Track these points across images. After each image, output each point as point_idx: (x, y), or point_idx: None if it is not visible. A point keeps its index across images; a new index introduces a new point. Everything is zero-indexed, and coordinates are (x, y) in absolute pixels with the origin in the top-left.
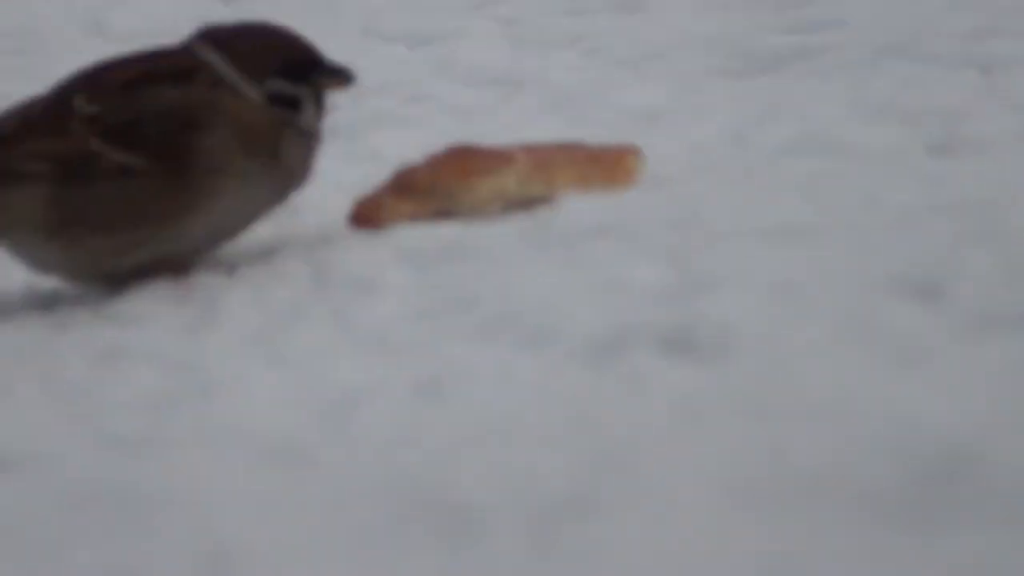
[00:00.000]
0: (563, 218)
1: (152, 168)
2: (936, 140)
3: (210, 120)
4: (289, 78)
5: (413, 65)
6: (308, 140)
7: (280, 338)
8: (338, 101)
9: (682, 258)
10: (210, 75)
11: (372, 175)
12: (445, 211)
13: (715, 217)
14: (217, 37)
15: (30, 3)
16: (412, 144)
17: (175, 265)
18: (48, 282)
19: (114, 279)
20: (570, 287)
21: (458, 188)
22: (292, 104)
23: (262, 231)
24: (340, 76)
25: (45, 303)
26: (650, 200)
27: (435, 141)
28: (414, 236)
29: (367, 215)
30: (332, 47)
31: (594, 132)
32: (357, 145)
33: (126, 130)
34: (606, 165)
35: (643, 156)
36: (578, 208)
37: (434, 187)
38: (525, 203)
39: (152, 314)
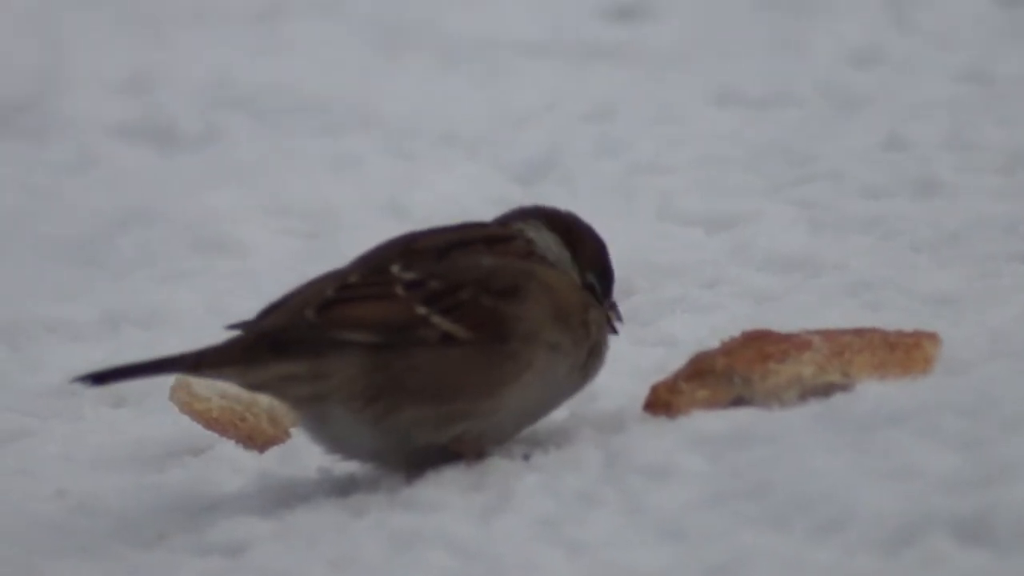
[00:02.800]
0: (858, 404)
1: (471, 337)
2: None
3: (527, 287)
4: (600, 285)
5: (710, 249)
6: (606, 329)
7: (572, 524)
8: (635, 286)
9: (978, 445)
10: (526, 244)
11: (666, 360)
12: (741, 398)
13: (1012, 403)
14: (557, 221)
15: (328, 186)
16: (707, 329)
17: (475, 447)
18: (343, 467)
19: (415, 460)
20: (864, 474)
21: (755, 374)
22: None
23: (557, 416)
24: (614, 315)
25: (341, 488)
26: (946, 386)
27: (730, 326)
28: (708, 422)
29: (663, 401)
30: (629, 230)
31: (891, 317)
32: (652, 330)
33: (447, 297)
34: (903, 351)
35: (940, 342)
36: (874, 394)
37: (731, 373)
38: (822, 389)
39: (447, 499)
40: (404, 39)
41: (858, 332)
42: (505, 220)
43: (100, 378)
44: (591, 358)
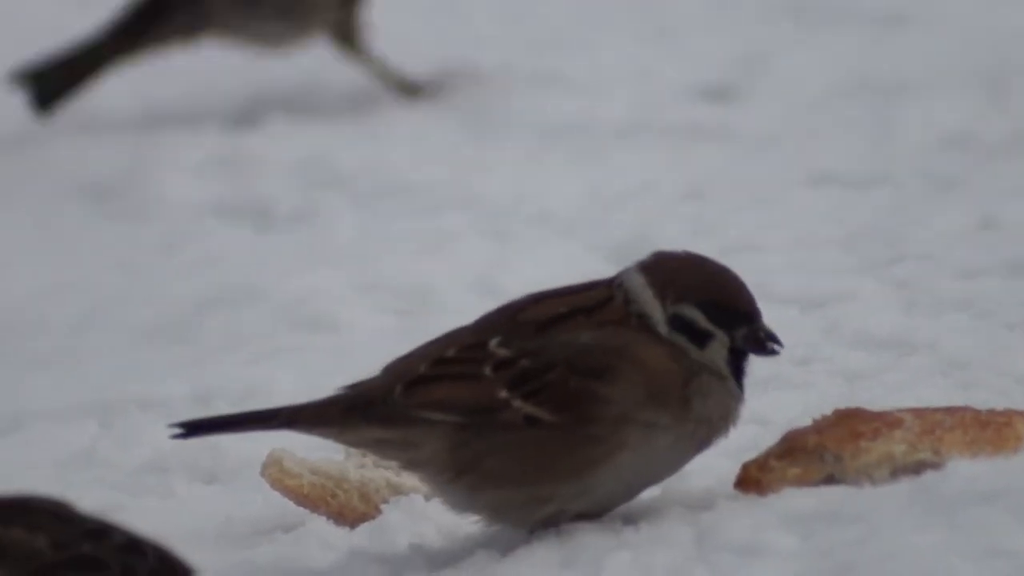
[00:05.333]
0: (949, 482)
1: (556, 419)
2: None
3: (617, 367)
4: (708, 315)
5: (804, 327)
6: (725, 386)
7: None
8: None
9: None
10: (620, 307)
11: (759, 438)
12: (832, 476)
13: None
14: (652, 260)
15: (422, 265)
16: (800, 407)
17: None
18: (434, 543)
19: (527, 526)
20: (956, 553)
21: (846, 452)
22: (699, 339)
23: (648, 492)
24: (764, 341)
25: (432, 565)
26: None
27: (823, 404)
28: (798, 500)
29: (754, 479)
30: None
31: (984, 396)
32: (744, 408)
33: (534, 379)
34: (995, 429)
35: None
36: (965, 472)
37: (822, 451)
38: (913, 468)
39: None
40: (500, 122)
41: (949, 410)
42: (617, 275)
43: (193, 429)
44: (701, 428)
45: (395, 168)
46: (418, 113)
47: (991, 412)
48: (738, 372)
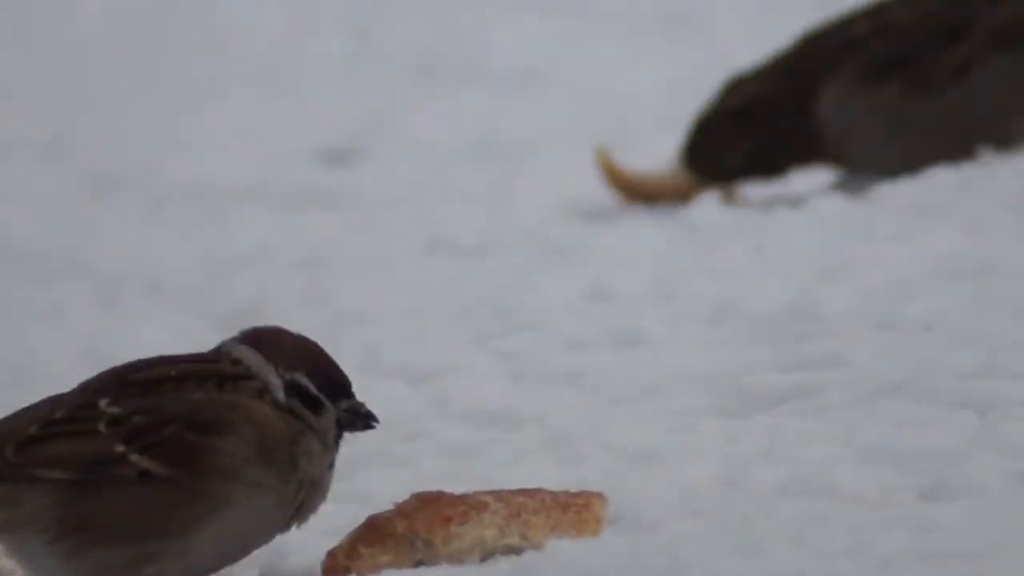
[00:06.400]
0: (549, 564)
1: (169, 473)
2: (928, 484)
3: (230, 420)
4: (317, 385)
5: (411, 401)
6: (327, 455)
7: None
8: None
9: None
10: (234, 366)
11: (361, 516)
12: (423, 561)
13: (700, 565)
14: (252, 334)
15: (28, 335)
16: (405, 485)
17: None
18: None
19: None
20: None
21: (437, 538)
22: (313, 405)
23: (245, 574)
24: (364, 417)
25: None
26: (635, 545)
27: (429, 482)
28: None
29: (342, 567)
30: None
31: (588, 473)
32: (347, 485)
33: (150, 433)
34: (575, 512)
35: (607, 502)
36: (565, 553)
37: (412, 537)
38: (503, 552)
39: None
40: (115, 184)
41: (529, 493)
42: (221, 347)
43: None
44: (303, 491)
45: (5, 232)
46: (31, 174)
47: (568, 494)
48: (336, 439)
